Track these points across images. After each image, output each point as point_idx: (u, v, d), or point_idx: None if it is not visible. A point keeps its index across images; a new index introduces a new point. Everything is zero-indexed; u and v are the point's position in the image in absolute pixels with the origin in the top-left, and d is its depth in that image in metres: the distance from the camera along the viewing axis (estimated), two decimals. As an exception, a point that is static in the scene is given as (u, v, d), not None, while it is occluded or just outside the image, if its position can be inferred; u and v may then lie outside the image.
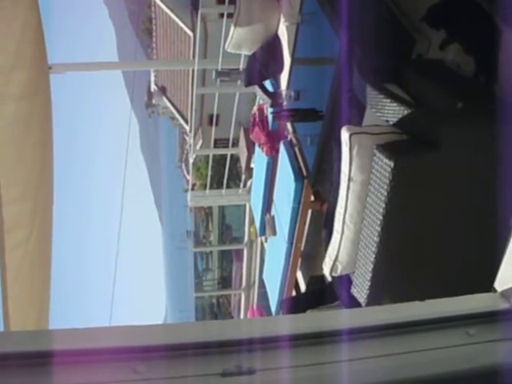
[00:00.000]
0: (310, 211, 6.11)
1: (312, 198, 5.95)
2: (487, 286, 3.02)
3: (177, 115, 23.76)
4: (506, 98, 3.21)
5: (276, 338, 1.30)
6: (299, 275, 7.18)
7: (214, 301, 26.48)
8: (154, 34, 23.90)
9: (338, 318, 1.50)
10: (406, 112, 2.93)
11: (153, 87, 24.58)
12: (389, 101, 3.02)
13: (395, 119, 2.99)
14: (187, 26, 20.82)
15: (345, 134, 2.95)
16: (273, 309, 7.58)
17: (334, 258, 3.29)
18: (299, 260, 6.70)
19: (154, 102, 26.38)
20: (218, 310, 27.40)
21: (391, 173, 2.76)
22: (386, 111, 3.04)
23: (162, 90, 23.86)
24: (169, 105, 23.92)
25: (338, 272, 3.37)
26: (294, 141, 6.15)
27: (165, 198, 59.27)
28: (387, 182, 2.79)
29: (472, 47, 3.69)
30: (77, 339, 1.24)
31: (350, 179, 3.01)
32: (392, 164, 2.75)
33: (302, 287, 7.33)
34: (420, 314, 1.30)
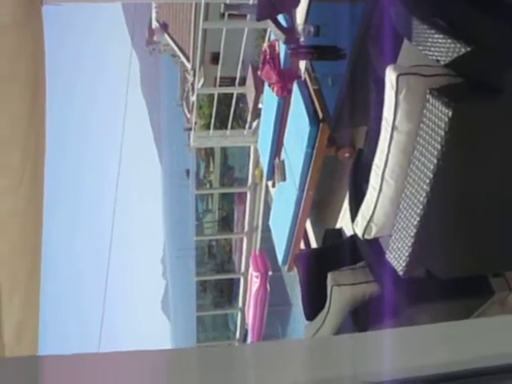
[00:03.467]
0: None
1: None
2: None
3: (178, 53, 23.18)
4: None
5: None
6: (308, 224, 6.90)
7: (214, 243, 26.25)
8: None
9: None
10: (463, 50, 2.44)
11: (154, 24, 24.02)
12: (441, 36, 2.52)
13: (449, 58, 2.50)
14: (190, -41, 20.06)
15: (391, 75, 2.46)
16: (279, 258, 7.38)
17: (369, 219, 2.86)
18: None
19: (155, 39, 25.89)
20: (218, 251, 27.25)
21: (448, 123, 2.29)
22: (438, 49, 2.54)
23: (164, 27, 23.33)
24: (170, 42, 23.35)
25: (372, 234, 2.95)
26: (310, 81, 5.68)
27: (164, 137, 58.62)
28: (442, 133, 2.33)
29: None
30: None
31: (393, 128, 2.54)
32: (450, 113, 2.28)
33: (311, 236, 7.07)
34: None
